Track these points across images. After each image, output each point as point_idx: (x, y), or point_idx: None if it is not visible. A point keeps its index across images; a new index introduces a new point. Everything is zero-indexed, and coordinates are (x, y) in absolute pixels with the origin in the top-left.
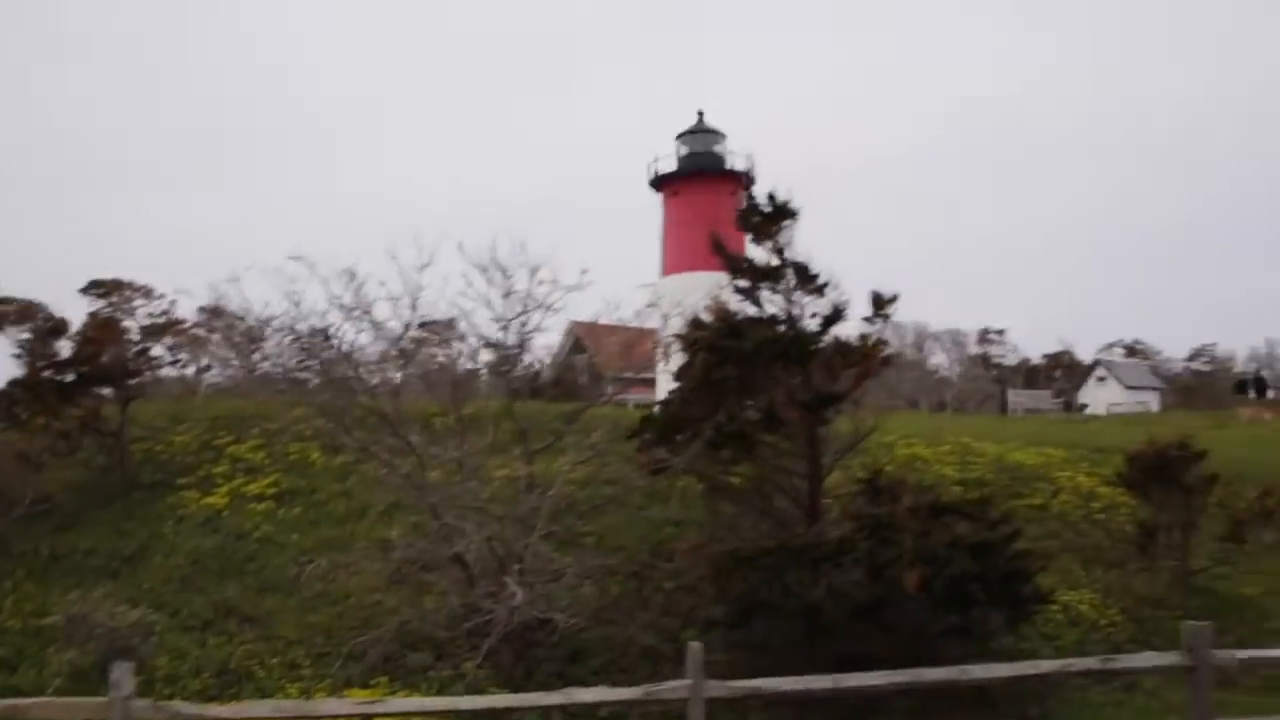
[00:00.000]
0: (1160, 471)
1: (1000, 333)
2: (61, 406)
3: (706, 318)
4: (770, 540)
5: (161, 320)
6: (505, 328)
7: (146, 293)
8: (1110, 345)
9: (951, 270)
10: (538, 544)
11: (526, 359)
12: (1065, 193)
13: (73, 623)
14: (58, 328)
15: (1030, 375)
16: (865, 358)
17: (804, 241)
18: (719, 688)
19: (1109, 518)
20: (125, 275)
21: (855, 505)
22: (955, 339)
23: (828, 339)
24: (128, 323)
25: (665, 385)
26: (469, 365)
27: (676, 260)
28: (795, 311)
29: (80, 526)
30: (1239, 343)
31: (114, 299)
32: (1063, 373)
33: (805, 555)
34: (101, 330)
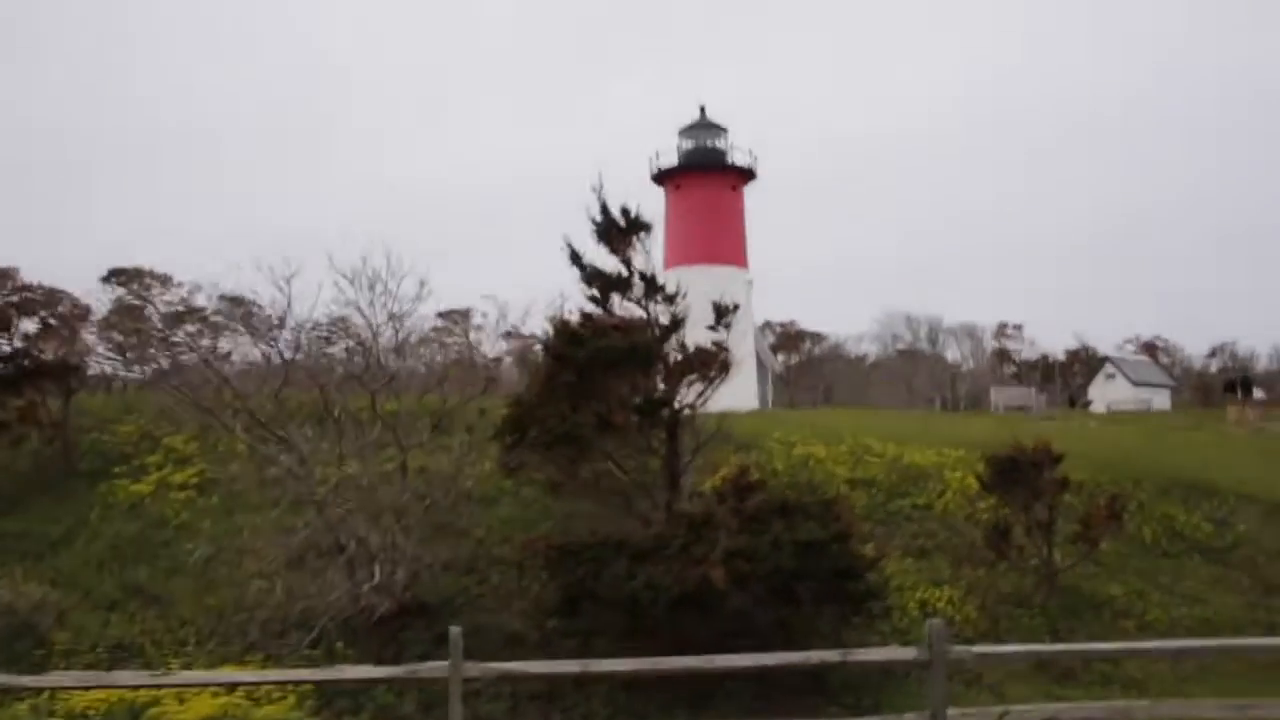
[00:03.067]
0: (1013, 474)
1: (1018, 328)
2: (3, 398)
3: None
4: (593, 535)
5: (181, 309)
6: (376, 333)
7: (165, 281)
8: (1127, 341)
9: (974, 266)
10: (401, 535)
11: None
12: (1091, 185)
13: None
14: (3, 323)
15: (1048, 371)
16: (704, 364)
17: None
18: (474, 668)
19: (991, 519)
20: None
21: (706, 504)
22: (971, 333)
23: (672, 346)
24: (148, 310)
25: None
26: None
27: (677, 254)
28: (654, 320)
29: (17, 511)
30: (1266, 339)
31: (134, 287)
32: (1080, 369)
33: (625, 549)
34: (48, 329)
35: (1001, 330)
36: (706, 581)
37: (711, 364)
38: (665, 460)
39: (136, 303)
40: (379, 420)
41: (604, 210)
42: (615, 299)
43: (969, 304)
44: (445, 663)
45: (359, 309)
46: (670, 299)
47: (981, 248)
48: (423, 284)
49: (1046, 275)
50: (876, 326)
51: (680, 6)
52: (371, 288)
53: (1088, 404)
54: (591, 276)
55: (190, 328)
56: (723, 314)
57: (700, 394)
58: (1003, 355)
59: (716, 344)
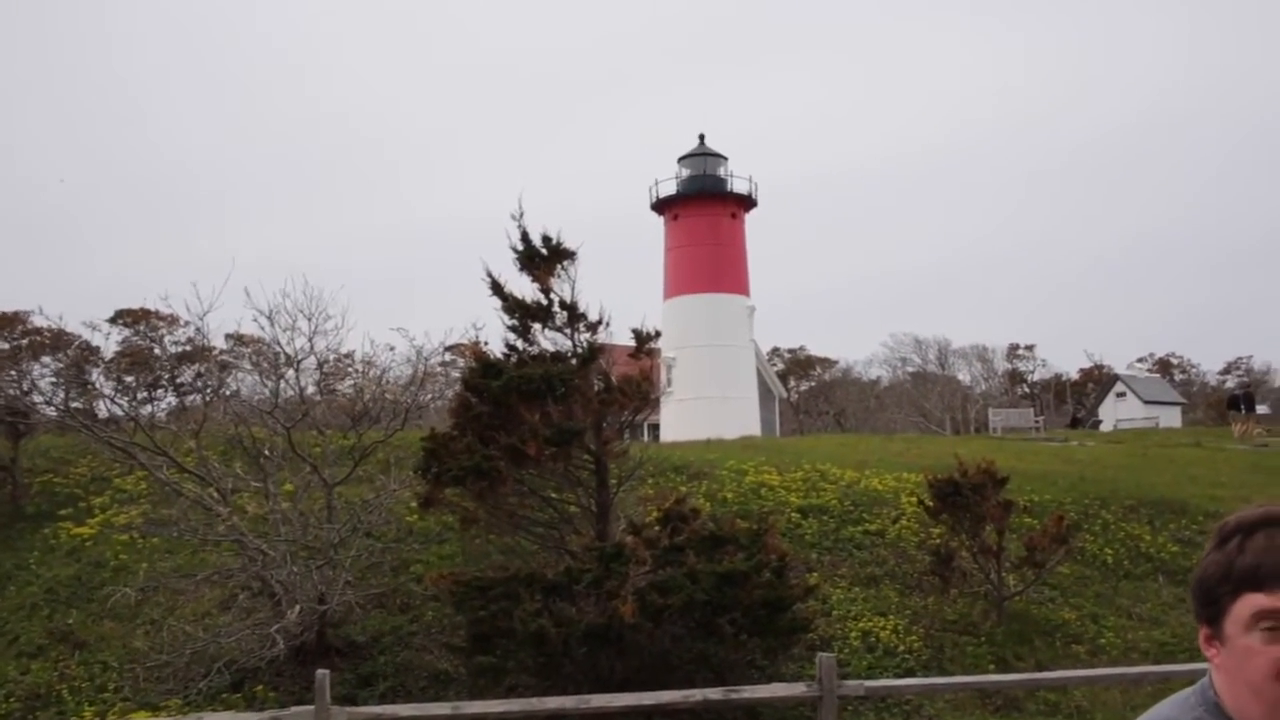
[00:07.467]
0: (956, 498)
1: (1030, 348)
2: None
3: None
4: (503, 570)
5: (188, 348)
6: (296, 366)
7: (172, 321)
8: (1141, 360)
9: (984, 289)
10: (329, 572)
11: None
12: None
13: None
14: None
15: (1060, 391)
16: (623, 394)
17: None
18: (340, 714)
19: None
20: (153, 304)
21: (646, 535)
22: (981, 355)
23: (595, 375)
24: (157, 350)
25: (667, 415)
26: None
27: (677, 283)
28: (579, 350)
29: None
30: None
31: (141, 327)
32: (1094, 388)
33: (537, 584)
34: None
35: (1013, 351)
36: (618, 617)
37: (633, 395)
38: (596, 492)
39: (144, 343)
40: (297, 455)
41: (524, 238)
42: (537, 329)
43: (981, 327)
44: (309, 708)
45: (278, 343)
46: (592, 327)
47: (991, 270)
48: (330, 318)
49: (1060, 296)
50: (885, 350)
51: (686, 41)
52: (290, 324)
53: (1097, 423)
54: (512, 306)
55: (199, 366)
56: (643, 341)
57: (624, 425)
58: (1015, 376)
59: (642, 373)
